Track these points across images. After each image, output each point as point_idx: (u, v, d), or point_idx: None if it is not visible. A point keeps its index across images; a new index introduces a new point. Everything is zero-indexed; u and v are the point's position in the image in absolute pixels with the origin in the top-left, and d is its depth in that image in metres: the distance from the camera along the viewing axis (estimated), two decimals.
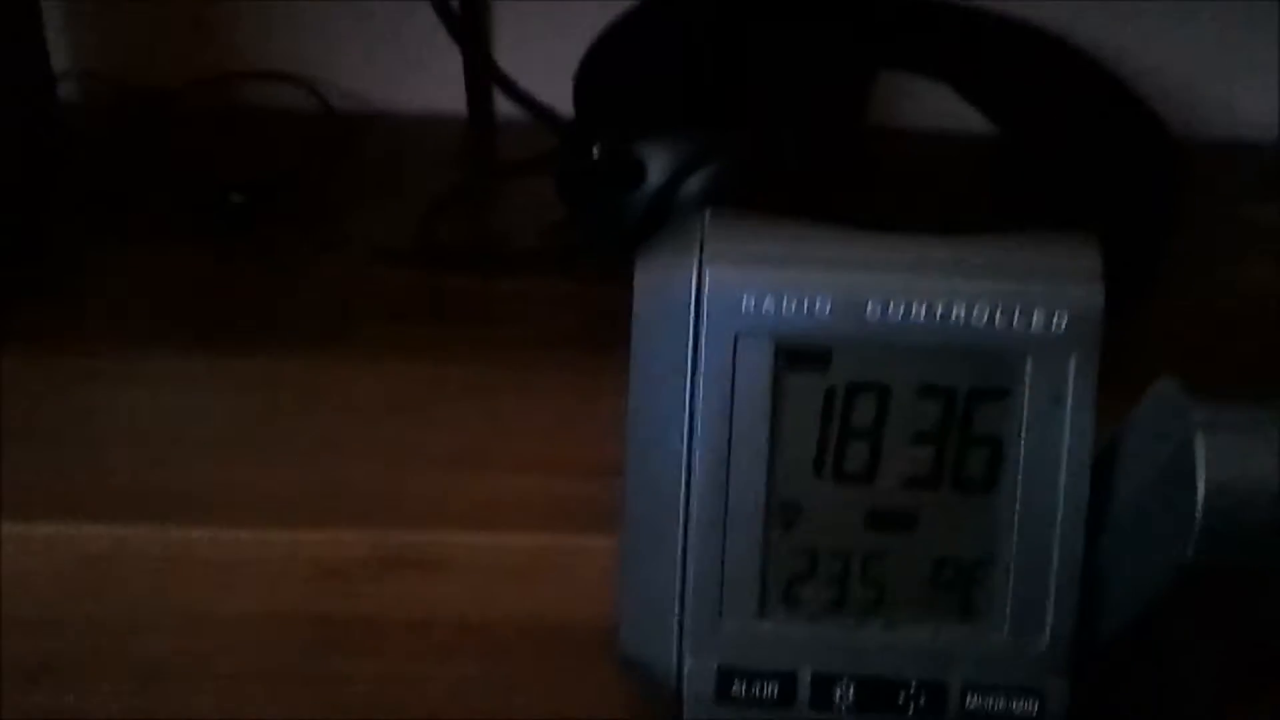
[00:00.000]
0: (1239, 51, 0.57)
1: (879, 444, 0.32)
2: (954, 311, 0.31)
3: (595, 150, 0.44)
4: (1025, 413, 0.31)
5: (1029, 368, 0.31)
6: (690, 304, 0.31)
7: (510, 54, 0.55)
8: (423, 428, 0.39)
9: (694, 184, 0.43)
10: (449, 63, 0.56)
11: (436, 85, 0.58)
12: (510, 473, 0.38)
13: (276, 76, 0.56)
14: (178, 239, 0.47)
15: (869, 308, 0.31)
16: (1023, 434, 0.31)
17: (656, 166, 0.44)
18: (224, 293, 0.45)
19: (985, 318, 0.31)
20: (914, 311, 0.31)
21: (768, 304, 0.31)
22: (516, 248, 0.49)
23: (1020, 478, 0.31)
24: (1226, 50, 0.57)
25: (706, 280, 0.31)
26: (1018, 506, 0.32)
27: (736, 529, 0.32)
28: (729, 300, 0.31)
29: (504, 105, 0.57)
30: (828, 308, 0.31)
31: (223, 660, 0.35)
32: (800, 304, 0.31)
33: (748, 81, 0.45)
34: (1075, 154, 0.47)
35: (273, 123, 0.55)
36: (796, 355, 0.31)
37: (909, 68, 0.52)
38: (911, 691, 0.33)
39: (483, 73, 0.46)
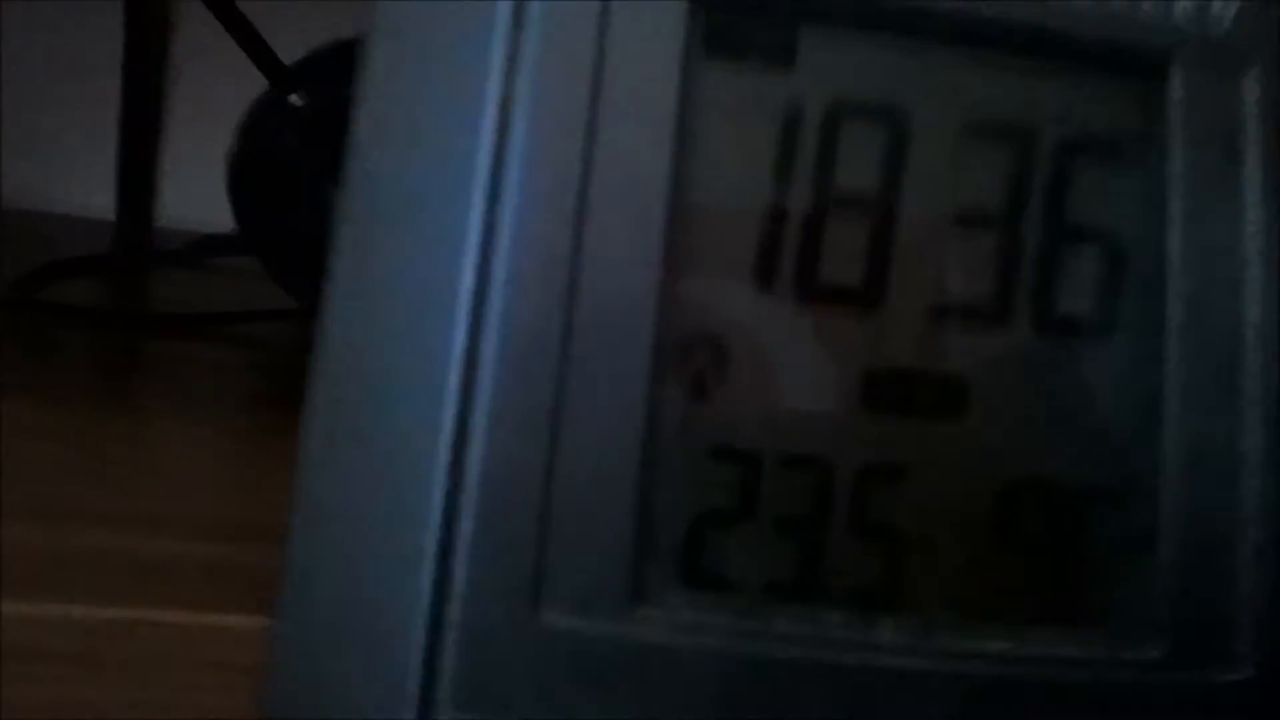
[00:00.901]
0: None
1: (889, 216, 0.16)
2: None
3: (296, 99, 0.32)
4: (1170, 178, 0.16)
5: (1178, 88, 0.16)
6: None
7: None
8: None
9: None
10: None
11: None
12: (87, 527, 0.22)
13: None
14: None
15: None
16: (1163, 225, 0.16)
17: None
18: None
19: None
20: None
21: None
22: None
23: (1161, 315, 0.16)
24: None
25: None
26: (1177, 364, 0.16)
27: (580, 421, 0.15)
28: None
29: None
30: None
31: None
32: None
33: None
34: None
35: None
36: (734, 29, 0.16)
37: None
38: None
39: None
